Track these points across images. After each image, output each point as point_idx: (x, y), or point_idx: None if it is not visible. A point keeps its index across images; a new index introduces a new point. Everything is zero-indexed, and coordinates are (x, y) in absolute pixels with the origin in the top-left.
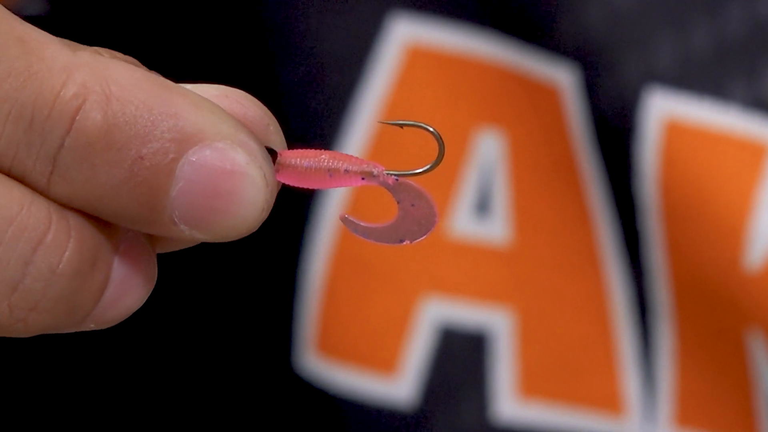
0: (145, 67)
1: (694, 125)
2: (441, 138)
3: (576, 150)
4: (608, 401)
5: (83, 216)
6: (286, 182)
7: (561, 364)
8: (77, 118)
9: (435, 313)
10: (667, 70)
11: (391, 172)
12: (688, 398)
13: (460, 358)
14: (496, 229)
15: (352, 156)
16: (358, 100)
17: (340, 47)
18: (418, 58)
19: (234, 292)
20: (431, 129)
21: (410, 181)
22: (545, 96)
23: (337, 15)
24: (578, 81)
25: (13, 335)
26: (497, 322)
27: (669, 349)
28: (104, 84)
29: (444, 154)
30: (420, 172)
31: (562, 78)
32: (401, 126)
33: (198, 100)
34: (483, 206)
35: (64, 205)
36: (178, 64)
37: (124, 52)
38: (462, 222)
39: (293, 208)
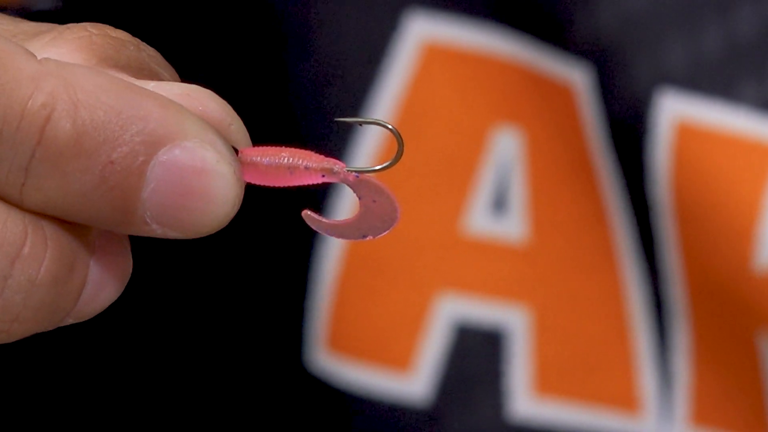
0: (135, 41)
1: (705, 127)
2: (400, 135)
3: (591, 149)
4: (624, 399)
5: (58, 222)
6: (248, 180)
7: (577, 362)
8: (46, 128)
9: (451, 311)
10: (679, 72)
11: (352, 169)
12: (704, 397)
13: (476, 355)
14: (512, 227)
15: (312, 153)
16: (374, 98)
17: (356, 45)
18: (434, 56)
19: (246, 290)
20: (390, 126)
21: (371, 177)
22: (560, 95)
23: (353, 12)
24: (592, 81)
25: None
26: (513, 319)
27: (685, 347)
28: (71, 91)
29: (402, 152)
30: (380, 169)
31: (577, 78)
32: (360, 124)
33: (164, 101)
34: (500, 204)
35: (38, 213)
36: (193, 62)
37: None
38: (478, 219)
39: (305, 205)
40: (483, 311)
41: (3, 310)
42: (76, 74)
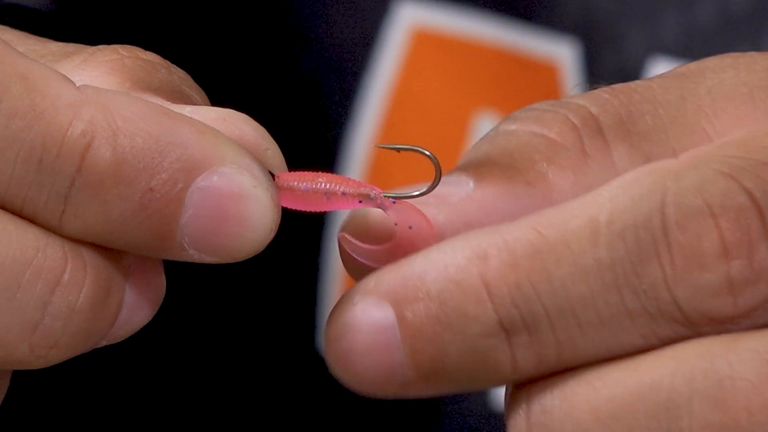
0: (165, 63)
1: None
2: (438, 161)
3: None
4: None
5: (96, 248)
6: (284, 205)
7: None
8: (86, 155)
9: None
10: (672, 41)
11: (389, 195)
12: None
13: None
14: None
15: (349, 179)
16: (367, 85)
17: (349, 33)
18: (423, 43)
19: (261, 279)
20: (427, 153)
21: (408, 203)
22: (543, 75)
23: (345, 1)
24: (580, 55)
25: (32, 368)
26: None
27: None
28: (110, 119)
29: (441, 178)
30: (417, 195)
31: (563, 54)
32: (398, 150)
33: (201, 127)
34: None
35: (77, 240)
36: (193, 62)
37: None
38: None
39: None
40: None
41: (43, 336)
42: (114, 101)
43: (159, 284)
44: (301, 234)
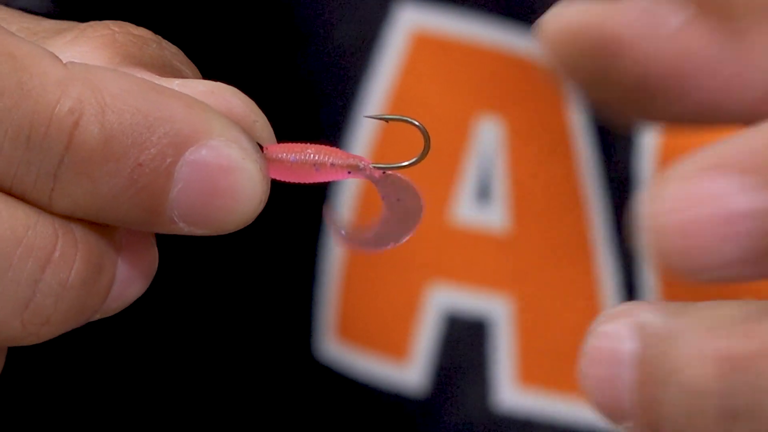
0: (157, 38)
1: None
2: (426, 131)
3: (572, 131)
4: None
5: (86, 224)
6: (273, 176)
7: (558, 353)
8: (75, 133)
9: (441, 300)
10: None
11: (378, 165)
12: None
13: (464, 345)
14: (495, 217)
15: (338, 150)
16: (366, 88)
17: (349, 35)
18: (423, 46)
19: (255, 280)
20: (416, 123)
21: (397, 174)
22: (544, 77)
23: (346, 3)
24: None
25: (25, 344)
26: (497, 309)
27: None
28: (98, 95)
29: (429, 148)
30: (406, 165)
31: None
32: (386, 120)
33: (189, 101)
34: (483, 193)
35: (68, 217)
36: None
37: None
38: (464, 209)
39: (310, 196)
40: (469, 301)
41: (34, 314)
42: (102, 77)
43: (151, 257)
44: (297, 236)
